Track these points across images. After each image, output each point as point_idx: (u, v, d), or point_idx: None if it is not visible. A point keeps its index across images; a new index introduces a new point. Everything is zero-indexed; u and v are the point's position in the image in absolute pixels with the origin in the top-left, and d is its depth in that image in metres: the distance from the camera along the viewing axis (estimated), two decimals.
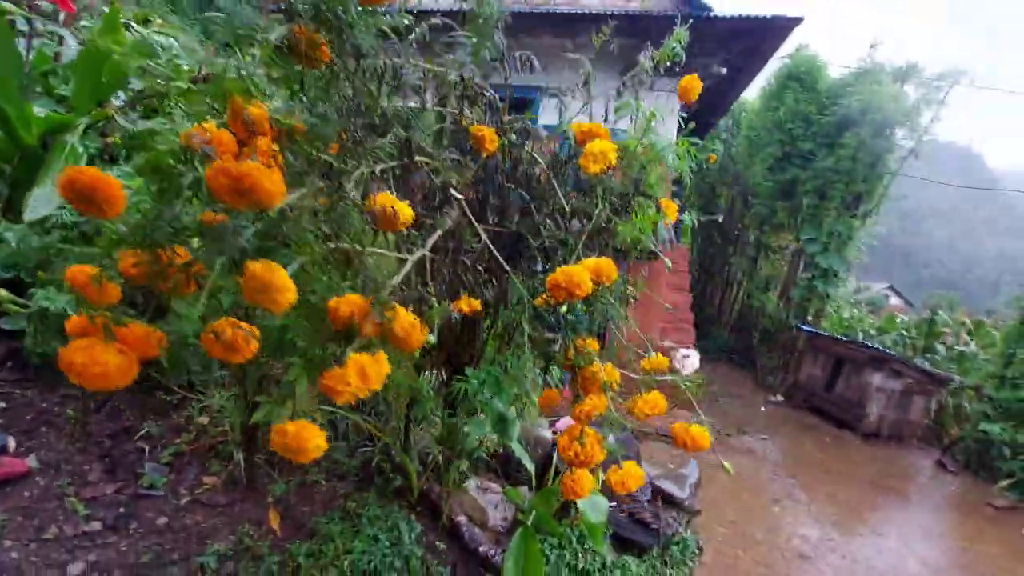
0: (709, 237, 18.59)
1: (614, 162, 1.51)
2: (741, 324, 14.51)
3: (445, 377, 2.23)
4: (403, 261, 1.21)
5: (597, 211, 1.54)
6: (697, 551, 3.56)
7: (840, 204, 10.51)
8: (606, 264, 1.45)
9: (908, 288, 35.07)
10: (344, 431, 2.68)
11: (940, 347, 11.00)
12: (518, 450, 2.32)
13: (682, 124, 2.33)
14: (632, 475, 1.38)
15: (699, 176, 17.67)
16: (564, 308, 1.43)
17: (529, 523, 2.16)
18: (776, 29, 7.05)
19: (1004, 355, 8.35)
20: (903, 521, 6.31)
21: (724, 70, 7.61)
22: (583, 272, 1.38)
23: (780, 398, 10.95)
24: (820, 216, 10.86)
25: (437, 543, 2.37)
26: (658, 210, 1.61)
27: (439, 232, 1.33)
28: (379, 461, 2.51)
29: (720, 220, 17.18)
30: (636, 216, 1.54)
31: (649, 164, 1.60)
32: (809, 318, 11.57)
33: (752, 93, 15.01)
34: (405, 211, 1.27)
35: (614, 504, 3.22)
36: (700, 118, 10.57)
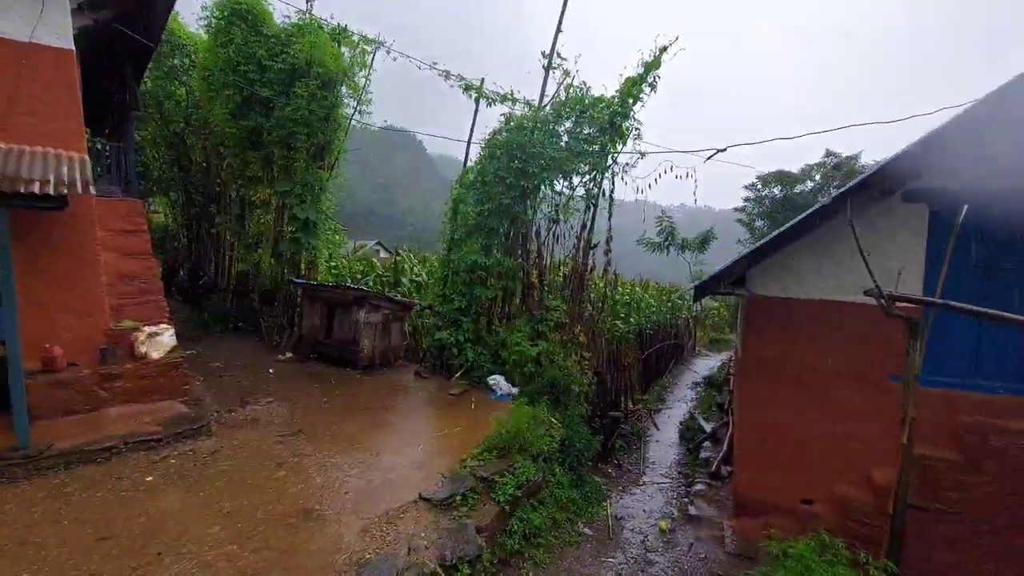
0: (188, 195, 16.06)
1: None
2: (242, 288, 13.32)
3: None
4: None
5: None
6: None
7: (307, 155, 10.72)
8: None
9: (392, 243, 43.35)
10: None
11: (405, 280, 13.38)
12: None
13: None
14: None
15: (160, 121, 14.73)
16: None
17: None
18: None
19: (441, 278, 10.77)
20: (392, 430, 7.16)
21: None
22: None
23: (289, 355, 10.70)
24: (291, 167, 10.80)
25: None
26: None
27: None
28: None
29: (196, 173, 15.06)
30: None
31: None
32: (303, 271, 11.65)
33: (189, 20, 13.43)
34: None
35: None
36: (120, 38, 8.23)
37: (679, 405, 13.51)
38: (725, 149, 5.80)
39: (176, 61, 15.03)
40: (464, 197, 10.31)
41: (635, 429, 10.72)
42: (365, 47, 10.67)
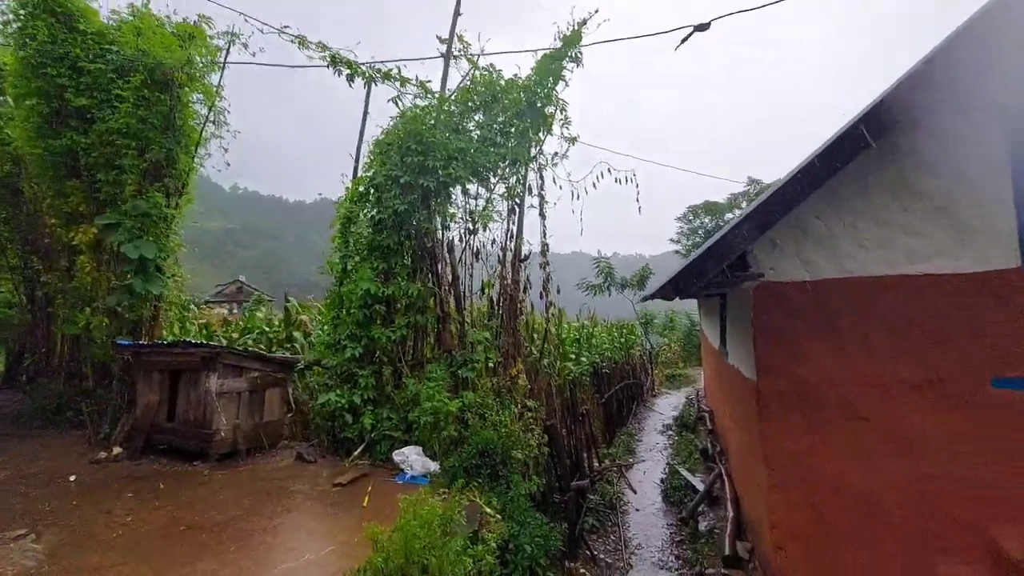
0: (22, 256, 12.64)
1: None
2: (73, 364, 9.99)
3: None
4: None
5: None
6: None
7: (139, 176, 8.05)
8: None
9: None
10: None
11: (298, 334, 10.53)
12: None
13: None
14: None
15: None
16: None
17: None
18: None
19: (330, 321, 8.10)
20: (207, 572, 4.28)
21: None
22: None
23: (117, 451, 7.51)
24: (119, 195, 8.07)
25: None
26: None
27: None
28: None
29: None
30: None
31: None
32: (144, 332, 8.64)
33: None
34: None
35: None
36: None
37: (652, 456, 11.10)
38: (708, 24, 3.84)
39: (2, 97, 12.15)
40: (355, 214, 7.92)
41: (607, 496, 8.17)
42: (210, 37, 8.36)
